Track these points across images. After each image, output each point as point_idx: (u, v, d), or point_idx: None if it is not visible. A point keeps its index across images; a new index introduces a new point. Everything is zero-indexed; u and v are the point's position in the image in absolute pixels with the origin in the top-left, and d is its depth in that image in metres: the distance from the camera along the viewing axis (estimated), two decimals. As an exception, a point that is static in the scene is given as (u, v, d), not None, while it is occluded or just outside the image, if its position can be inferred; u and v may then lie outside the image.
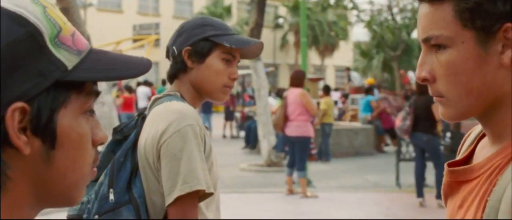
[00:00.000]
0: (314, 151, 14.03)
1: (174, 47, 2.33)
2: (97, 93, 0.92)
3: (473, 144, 1.32)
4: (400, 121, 9.36)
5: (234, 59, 2.33)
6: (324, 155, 15.08)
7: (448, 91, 1.20)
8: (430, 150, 9.31)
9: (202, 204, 2.21)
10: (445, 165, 1.31)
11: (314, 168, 12.96)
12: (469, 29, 1.16)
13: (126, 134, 2.29)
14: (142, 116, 2.32)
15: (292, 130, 9.97)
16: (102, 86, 8.87)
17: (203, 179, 2.12)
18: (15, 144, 0.82)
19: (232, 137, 21.70)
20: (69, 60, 0.86)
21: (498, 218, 1.10)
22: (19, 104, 0.81)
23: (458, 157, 1.34)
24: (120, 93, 19.22)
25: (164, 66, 41.54)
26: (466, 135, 1.39)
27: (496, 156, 1.18)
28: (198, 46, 2.29)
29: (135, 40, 31.04)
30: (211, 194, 2.15)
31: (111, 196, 2.16)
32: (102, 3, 41.41)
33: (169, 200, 2.11)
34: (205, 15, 2.67)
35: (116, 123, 8.19)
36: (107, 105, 9.43)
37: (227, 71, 2.31)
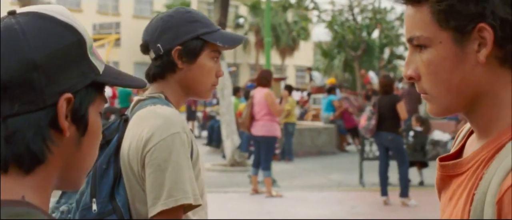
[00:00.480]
0: (278, 151, 14.06)
1: (159, 45, 2.16)
2: (105, 101, 1.10)
3: (464, 139, 1.36)
4: (365, 120, 9.43)
5: (219, 55, 2.23)
6: (287, 155, 15.13)
7: (431, 88, 1.25)
8: (395, 149, 9.42)
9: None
10: (437, 159, 1.35)
11: (277, 167, 13.01)
12: (445, 30, 1.21)
13: (108, 138, 2.13)
14: (124, 118, 2.18)
15: (258, 129, 10.01)
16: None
17: (190, 191, 2.01)
18: (61, 126, 1.00)
19: (194, 137, 21.61)
20: (99, 66, 1.07)
21: (484, 210, 1.14)
22: (68, 95, 1.00)
23: (451, 151, 1.38)
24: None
25: (124, 65, 41.23)
26: (459, 131, 1.43)
27: (482, 150, 1.23)
28: (189, 45, 2.16)
29: (95, 40, 30.76)
30: (199, 205, 2.06)
31: (94, 206, 2.04)
32: (61, 2, 40.90)
33: (152, 212, 2.00)
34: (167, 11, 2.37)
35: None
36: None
37: (215, 68, 2.22)
